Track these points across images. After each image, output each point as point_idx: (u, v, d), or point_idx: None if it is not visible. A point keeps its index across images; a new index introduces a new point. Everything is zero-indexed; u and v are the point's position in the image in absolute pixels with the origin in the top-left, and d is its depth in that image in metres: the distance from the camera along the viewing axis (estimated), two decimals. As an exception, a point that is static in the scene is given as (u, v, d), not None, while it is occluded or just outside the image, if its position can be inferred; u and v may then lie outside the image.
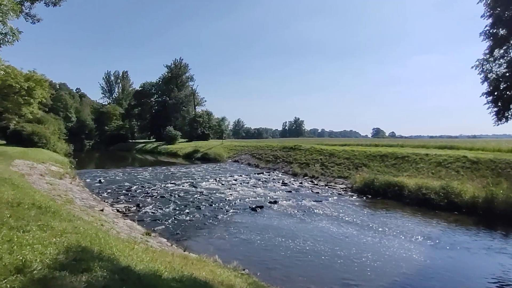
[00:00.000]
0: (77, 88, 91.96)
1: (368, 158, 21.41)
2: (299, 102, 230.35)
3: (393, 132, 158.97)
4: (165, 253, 5.67)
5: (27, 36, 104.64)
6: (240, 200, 14.35)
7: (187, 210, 12.26)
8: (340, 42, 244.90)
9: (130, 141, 72.89)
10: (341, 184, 18.94)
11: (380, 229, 10.42)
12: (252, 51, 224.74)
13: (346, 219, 11.56)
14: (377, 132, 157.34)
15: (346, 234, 9.86)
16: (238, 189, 17.31)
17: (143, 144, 60.38)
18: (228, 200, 14.40)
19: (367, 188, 16.17)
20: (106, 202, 13.02)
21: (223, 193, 16.05)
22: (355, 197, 15.55)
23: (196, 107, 69.00)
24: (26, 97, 26.33)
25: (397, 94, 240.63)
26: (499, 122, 16.80)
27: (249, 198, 14.83)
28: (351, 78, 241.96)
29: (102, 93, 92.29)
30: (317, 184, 19.41)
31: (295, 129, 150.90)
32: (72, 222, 4.85)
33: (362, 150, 23.26)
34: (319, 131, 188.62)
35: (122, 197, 14.51)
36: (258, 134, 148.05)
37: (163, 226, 10.14)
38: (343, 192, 16.78)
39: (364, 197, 15.48)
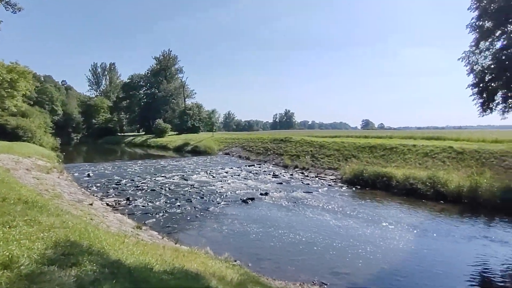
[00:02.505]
0: (62, 81, 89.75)
1: (357, 149, 21.68)
2: (290, 94, 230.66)
3: (382, 123, 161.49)
4: (156, 246, 5.66)
5: (8, 27, 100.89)
6: (231, 193, 14.37)
7: (178, 203, 12.23)
8: (330, 35, 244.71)
9: (119, 134, 71.87)
10: (331, 175, 19.16)
11: (369, 219, 10.63)
12: (242, 43, 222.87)
13: (336, 209, 11.74)
14: (367, 124, 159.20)
15: (336, 225, 10.03)
16: (229, 181, 17.32)
17: (132, 137, 59.59)
18: (219, 192, 14.41)
19: (357, 179, 16.40)
20: (96, 196, 12.85)
21: (214, 185, 16.04)
22: (344, 188, 15.77)
23: (186, 100, 68.30)
24: (9, 90, 25.54)
25: (386, 86, 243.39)
26: (484, 113, 17.25)
27: (240, 190, 14.88)
28: (341, 70, 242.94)
29: (89, 86, 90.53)
30: (307, 176, 19.58)
31: (285, 121, 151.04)
32: (60, 217, 4.77)
33: (351, 142, 23.53)
34: (309, 123, 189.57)
35: (111, 190, 14.33)
36: (249, 126, 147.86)
37: (154, 219, 10.10)
38: (333, 183, 16.99)
39: (354, 188, 15.72)
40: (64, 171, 16.45)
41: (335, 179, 18.15)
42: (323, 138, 27.88)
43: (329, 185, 16.62)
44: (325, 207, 12.11)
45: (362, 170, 16.57)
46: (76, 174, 18.65)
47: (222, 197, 13.51)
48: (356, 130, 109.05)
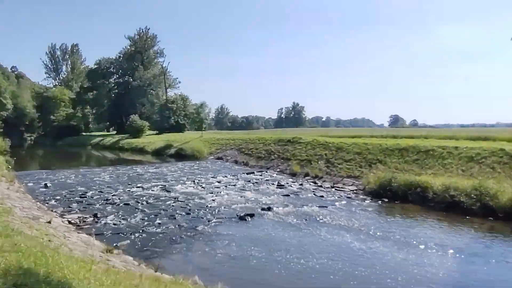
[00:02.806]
0: (12, 67, 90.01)
1: (384, 152, 21.68)
2: (299, 84, 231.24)
3: (415, 120, 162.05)
4: (131, 275, 5.66)
5: None
6: (225, 207, 14.38)
7: (158, 221, 12.22)
8: (350, 9, 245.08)
9: (84, 134, 72.24)
10: (351, 185, 19.17)
11: (400, 240, 10.61)
12: (239, 20, 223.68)
13: (358, 228, 11.73)
14: (396, 121, 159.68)
15: (358, 248, 10.01)
16: (222, 193, 17.34)
17: (101, 138, 59.93)
18: (210, 207, 14.42)
19: (383, 190, 16.38)
20: (55, 211, 12.87)
21: (203, 198, 16.06)
22: (368, 201, 15.77)
23: (167, 90, 68.53)
24: None
25: (421, 74, 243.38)
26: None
27: (236, 205, 14.88)
28: (364, 55, 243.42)
29: (46, 73, 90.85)
30: (321, 186, 19.60)
31: (293, 117, 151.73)
32: (10, 238, 4.78)
33: (376, 143, 23.53)
34: (323, 119, 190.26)
35: (75, 205, 14.35)
36: (247, 123, 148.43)
37: (129, 241, 10.09)
38: (353, 195, 17.01)
39: (380, 201, 15.72)
40: (15, 180, 16.47)
41: (356, 190, 18.16)
42: (340, 138, 27.94)
43: (349, 197, 16.63)
44: (344, 225, 12.10)
45: (390, 178, 16.55)
46: (30, 184, 18.68)
47: (213, 213, 13.51)
48: (382, 128, 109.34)
